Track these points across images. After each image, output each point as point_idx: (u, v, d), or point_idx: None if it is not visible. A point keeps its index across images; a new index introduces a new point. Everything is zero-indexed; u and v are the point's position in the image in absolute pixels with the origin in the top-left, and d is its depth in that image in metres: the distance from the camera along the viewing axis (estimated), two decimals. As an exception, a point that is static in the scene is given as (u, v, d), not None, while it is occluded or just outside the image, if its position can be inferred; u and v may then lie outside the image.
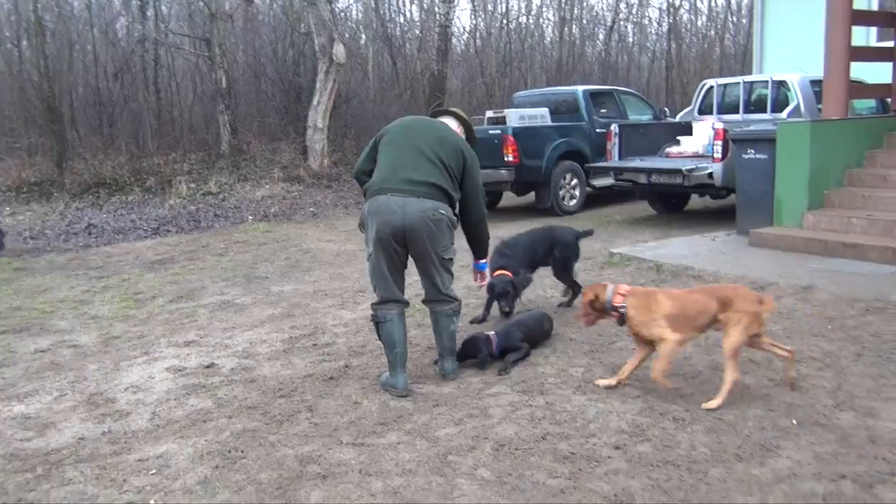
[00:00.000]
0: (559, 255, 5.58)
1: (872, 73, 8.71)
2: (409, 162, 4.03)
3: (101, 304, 6.56)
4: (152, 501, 3.03)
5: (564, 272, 5.61)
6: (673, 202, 10.77)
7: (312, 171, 14.89)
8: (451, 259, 4.19)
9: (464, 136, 4.39)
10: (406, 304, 4.20)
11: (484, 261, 4.61)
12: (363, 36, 21.87)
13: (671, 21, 25.77)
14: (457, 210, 4.21)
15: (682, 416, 3.53)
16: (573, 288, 5.63)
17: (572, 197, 11.21)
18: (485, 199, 4.33)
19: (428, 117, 4.49)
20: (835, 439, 3.24)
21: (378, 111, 18.12)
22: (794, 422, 3.43)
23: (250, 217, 12.12)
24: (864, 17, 8.60)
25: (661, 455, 3.16)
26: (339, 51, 14.96)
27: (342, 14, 19.98)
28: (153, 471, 3.29)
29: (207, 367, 4.69)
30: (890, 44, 8.23)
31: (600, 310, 3.90)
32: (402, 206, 3.90)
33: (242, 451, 3.43)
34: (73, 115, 16.17)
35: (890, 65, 8.06)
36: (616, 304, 3.82)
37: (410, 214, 3.90)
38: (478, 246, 4.53)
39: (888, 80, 8.13)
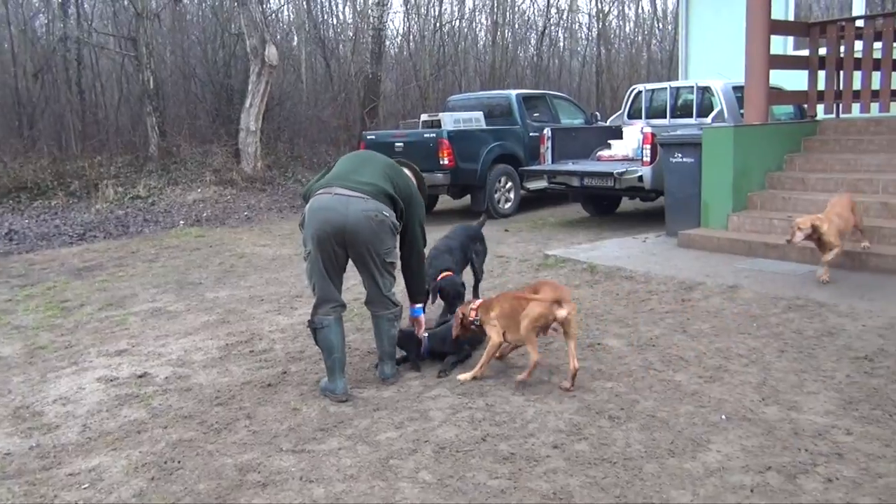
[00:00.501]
0: (481, 247, 5.88)
1: (790, 80, 9.11)
2: (359, 167, 4.14)
3: (24, 314, 6.31)
4: (85, 517, 2.95)
5: (482, 263, 5.91)
6: (605, 205, 11.03)
7: (246, 175, 14.66)
8: (392, 263, 4.18)
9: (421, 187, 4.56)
10: (343, 306, 4.17)
11: (420, 306, 4.58)
12: (296, 37, 21.63)
13: (600, 27, 26.37)
14: (400, 219, 4.22)
15: (617, 415, 3.64)
16: (480, 276, 5.93)
17: (507, 200, 11.35)
18: (424, 246, 4.46)
19: (394, 165, 4.53)
20: (761, 432, 3.38)
21: (312, 113, 17.98)
22: (723, 417, 3.57)
23: (182, 222, 11.85)
24: (781, 27, 8.97)
25: (597, 453, 3.25)
26: (271, 52, 14.77)
27: (274, 15, 19.72)
28: (85, 485, 3.20)
29: (140, 376, 4.57)
30: (805, 52, 8.62)
31: (467, 326, 4.38)
32: (346, 206, 3.89)
33: (179, 462, 3.36)
34: (-10, 116, 15.51)
35: (806, 72, 8.44)
36: (472, 318, 4.32)
37: (353, 214, 3.88)
38: (415, 288, 4.55)
39: (805, 87, 8.51)
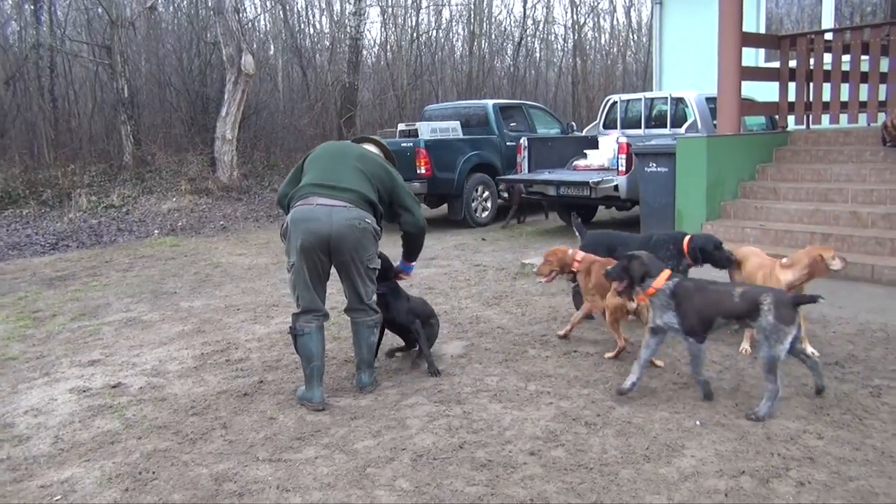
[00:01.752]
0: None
1: (762, 91, 9.26)
2: (334, 172, 4.09)
3: (-6, 324, 6.22)
4: (58, 529, 2.91)
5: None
6: (582, 213, 11.11)
7: (221, 184, 14.56)
8: (375, 269, 4.21)
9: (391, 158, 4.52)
10: (325, 316, 4.15)
11: (412, 264, 4.66)
12: (272, 47, 21.58)
13: (576, 38, 26.61)
14: (381, 222, 4.25)
15: (593, 421, 3.66)
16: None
17: (484, 209, 11.39)
18: (420, 211, 4.44)
19: (350, 142, 4.54)
20: (735, 438, 3.43)
21: (289, 122, 17.93)
22: (698, 422, 3.61)
23: (156, 231, 11.74)
24: (752, 40, 9.13)
25: (574, 459, 3.27)
26: (247, 61, 14.72)
27: (250, 24, 19.66)
28: (58, 497, 3.15)
29: (114, 386, 4.52)
30: (776, 64, 8.78)
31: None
32: (329, 216, 3.89)
33: (154, 473, 3.33)
34: (-40, 124, 15.28)
35: (777, 84, 8.60)
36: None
37: (337, 223, 3.89)
38: (411, 252, 4.58)
39: (776, 98, 8.66)
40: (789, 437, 3.40)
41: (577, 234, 5.84)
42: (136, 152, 15.34)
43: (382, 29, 24.33)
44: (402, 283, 4.67)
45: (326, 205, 3.93)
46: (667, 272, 3.87)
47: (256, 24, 21.04)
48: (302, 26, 22.38)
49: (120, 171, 14.93)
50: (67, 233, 11.45)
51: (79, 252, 10.26)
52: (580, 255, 4.98)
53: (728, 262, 4.80)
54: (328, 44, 21.99)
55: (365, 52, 22.42)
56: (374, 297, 4.30)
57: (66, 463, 3.48)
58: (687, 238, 4.93)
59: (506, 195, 11.14)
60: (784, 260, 4.46)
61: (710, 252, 4.82)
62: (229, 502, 3.03)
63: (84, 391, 4.47)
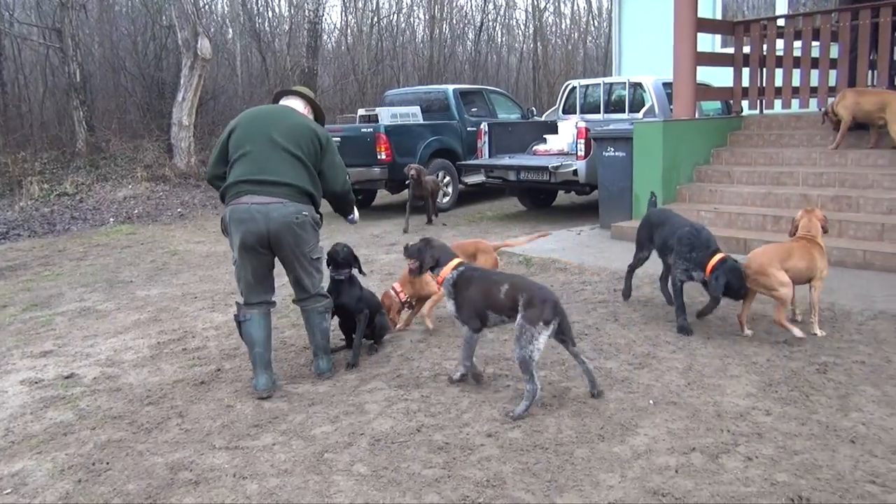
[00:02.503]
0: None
1: (718, 76, 9.40)
2: (265, 162, 3.91)
3: (-58, 316, 6.06)
4: (8, 521, 2.86)
5: None
6: (541, 198, 11.19)
7: (179, 171, 14.33)
8: (318, 258, 4.16)
9: (311, 117, 4.32)
10: (271, 304, 4.14)
11: (352, 216, 4.56)
12: (230, 30, 21.22)
13: (537, 23, 26.65)
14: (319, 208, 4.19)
15: (549, 403, 3.71)
16: None
17: (445, 194, 11.39)
18: (347, 174, 4.27)
19: (274, 105, 4.29)
20: (686, 416, 3.51)
21: (247, 107, 17.66)
22: (651, 402, 3.68)
23: (111, 219, 11.52)
24: (707, 26, 9.25)
25: (530, 440, 3.31)
26: (203, 45, 14.46)
27: (207, 7, 19.28)
28: (8, 490, 3.10)
29: (67, 377, 4.45)
30: (731, 50, 8.92)
31: None
32: (265, 214, 3.82)
33: (108, 463, 3.29)
34: None
35: (732, 69, 8.73)
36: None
37: (274, 221, 3.83)
38: (342, 210, 4.50)
39: (731, 83, 8.80)
40: (739, 414, 3.49)
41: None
42: (89, 138, 14.99)
43: (343, 13, 24.11)
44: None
45: (262, 203, 3.83)
46: (455, 262, 3.89)
47: (213, 7, 20.67)
48: (260, 10, 22.05)
49: (73, 157, 14.59)
50: (18, 222, 11.18)
51: (30, 241, 10.03)
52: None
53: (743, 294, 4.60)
54: (287, 28, 21.70)
55: (325, 37, 22.20)
56: (323, 285, 4.25)
57: (17, 455, 3.42)
58: (717, 258, 4.54)
59: (413, 178, 9.53)
60: None
61: (736, 290, 4.52)
62: (184, 491, 3.01)
63: (36, 382, 4.39)
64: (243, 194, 3.88)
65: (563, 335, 3.64)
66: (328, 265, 4.46)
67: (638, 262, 5.37)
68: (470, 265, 4.02)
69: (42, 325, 5.66)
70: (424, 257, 3.94)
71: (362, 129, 10.66)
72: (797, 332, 4.39)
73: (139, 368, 4.56)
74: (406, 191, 11.39)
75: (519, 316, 3.55)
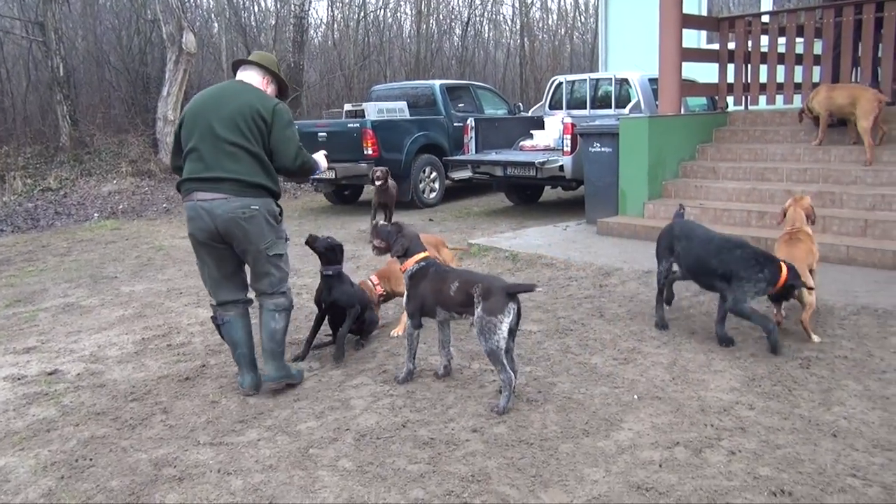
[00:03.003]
0: None
1: (703, 72, 9.44)
2: (209, 158, 3.69)
3: (-77, 312, 6.00)
4: (-10, 519, 2.84)
5: None
6: (528, 194, 11.20)
7: (164, 166, 14.22)
8: (278, 255, 3.88)
9: (274, 87, 4.04)
10: (247, 301, 4.01)
11: (318, 169, 4.12)
12: (216, 25, 21.07)
13: (524, 19, 26.65)
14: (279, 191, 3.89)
15: (535, 398, 3.72)
16: None
17: (432, 190, 11.39)
18: (299, 147, 3.84)
19: (223, 85, 3.96)
20: (670, 410, 3.53)
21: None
22: (636, 397, 3.70)
23: (96, 214, 11.44)
24: (693, 22, 9.27)
25: (515, 435, 3.32)
26: (188, 39, 14.37)
27: (191, 1, 19.14)
28: (-10, 487, 3.08)
29: (50, 373, 4.41)
30: (716, 46, 8.96)
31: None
32: (210, 211, 3.66)
33: (91, 460, 3.27)
34: None
35: (717, 65, 8.77)
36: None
37: (219, 218, 3.66)
38: (295, 177, 4.30)
39: (716, 79, 8.84)
40: (722, 409, 3.51)
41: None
42: (73, 133, 14.85)
43: (329, 8, 23.99)
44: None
45: (207, 199, 3.66)
46: (419, 255, 3.93)
47: (198, 1, 20.51)
48: (246, 4, 21.89)
49: (57, 152, 14.46)
50: (1, 217, 11.08)
51: (14, 237, 9.94)
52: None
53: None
54: (273, 22, 21.56)
55: (312, 32, 22.09)
56: (286, 285, 3.98)
57: (-1, 452, 3.40)
58: (786, 268, 4.23)
59: (378, 182, 8.59)
60: None
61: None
62: (168, 487, 3.00)
63: (19, 379, 4.35)
64: (192, 191, 3.72)
65: (517, 321, 3.63)
66: (321, 259, 4.41)
67: (663, 274, 4.80)
68: (433, 260, 3.98)
69: (25, 321, 5.61)
70: (394, 243, 3.94)
71: (349, 125, 10.63)
72: (816, 338, 4.38)
73: (123, 364, 4.54)
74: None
75: (478, 309, 3.55)
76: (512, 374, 3.57)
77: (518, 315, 3.60)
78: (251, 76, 3.97)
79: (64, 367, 4.51)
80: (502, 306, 3.49)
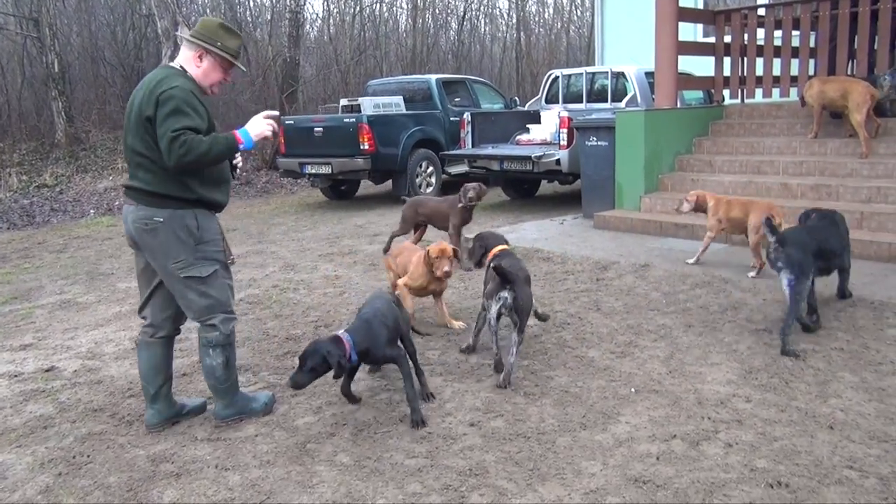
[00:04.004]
0: None
1: (699, 66, 9.43)
2: (129, 164, 3.37)
3: (-81, 310, 5.98)
4: (-13, 516, 2.84)
5: None
6: (525, 188, 11.20)
7: (160, 162, 14.18)
8: (195, 278, 3.30)
9: (212, 60, 3.36)
10: (154, 327, 3.51)
11: (242, 141, 3.32)
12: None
13: (520, 13, 26.61)
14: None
15: (532, 392, 3.73)
16: None
17: (429, 184, 11.37)
18: (172, 143, 3.06)
19: (145, 78, 3.37)
20: (667, 403, 3.53)
21: (229, 98, 17.53)
22: (633, 390, 3.71)
23: (92, 211, 11.41)
24: (689, 15, 9.26)
25: (513, 429, 3.33)
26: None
27: (187, -4, 19.07)
28: (-13, 483, 3.07)
29: (47, 370, 4.41)
30: (713, 40, 8.95)
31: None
32: (125, 218, 3.35)
33: (88, 456, 3.27)
34: None
35: (713, 58, 8.76)
36: None
37: (129, 225, 3.32)
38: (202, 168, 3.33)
39: (712, 72, 8.84)
40: (719, 401, 3.52)
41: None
42: (68, 129, 14.83)
43: (325, 2, 23.92)
44: None
45: (126, 205, 3.36)
46: (498, 248, 4.26)
47: (193, -4, 20.42)
48: (241, -1, 21.83)
49: (52, 149, 14.44)
50: (-3, 214, 11.05)
51: (9, 233, 9.92)
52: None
53: None
54: (269, 17, 21.51)
55: (308, 27, 22.04)
56: (216, 316, 3.40)
57: (-3, 449, 3.39)
58: None
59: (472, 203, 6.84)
60: None
61: None
62: (166, 482, 3.00)
63: (15, 376, 4.34)
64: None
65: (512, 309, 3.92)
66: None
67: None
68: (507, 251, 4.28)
69: (22, 318, 5.60)
70: (475, 252, 4.41)
71: (345, 120, 10.61)
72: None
73: (120, 361, 4.53)
74: (389, 180, 11.37)
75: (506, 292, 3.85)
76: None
77: (513, 302, 3.84)
78: (183, 56, 3.38)
79: (61, 364, 4.51)
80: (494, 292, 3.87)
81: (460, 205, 6.73)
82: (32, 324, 5.45)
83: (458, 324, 4.85)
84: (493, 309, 3.87)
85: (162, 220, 3.22)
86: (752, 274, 5.61)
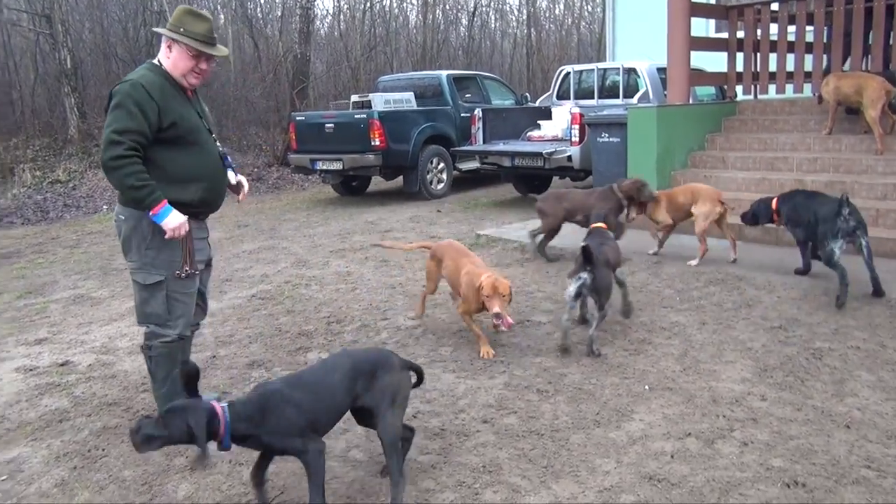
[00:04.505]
0: None
1: (712, 61, 9.37)
2: None
3: (-65, 304, 6.03)
4: (4, 509, 2.86)
5: None
6: (536, 184, 11.16)
7: (172, 157, 14.22)
8: (143, 285, 3.20)
9: (181, 48, 3.20)
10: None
11: (155, 212, 3.07)
12: (221, 16, 21.04)
13: (530, 8, 26.52)
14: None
15: (545, 389, 3.72)
16: None
17: (440, 181, 11.37)
18: (112, 141, 3.01)
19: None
20: (682, 401, 3.52)
21: (240, 94, 17.57)
22: (647, 387, 3.69)
23: (105, 206, 11.47)
24: (701, 10, 9.19)
25: (526, 426, 3.32)
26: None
27: (198, -8, 19.11)
28: (4, 476, 3.10)
29: (62, 364, 4.43)
30: (725, 35, 8.89)
31: None
32: None
33: (103, 450, 3.29)
34: None
35: (726, 54, 8.70)
36: None
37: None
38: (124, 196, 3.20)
39: (725, 68, 8.78)
40: (734, 400, 3.50)
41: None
42: (81, 125, 14.88)
43: (335, -2, 23.88)
44: None
45: None
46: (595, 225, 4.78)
47: (205, -8, 20.46)
48: (252, -5, 21.84)
49: (65, 145, 14.50)
50: (11, 209, 11.12)
51: (24, 229, 9.98)
52: None
53: None
54: (279, 13, 21.52)
55: (318, 23, 22.03)
56: (149, 325, 3.28)
57: (12, 443, 3.41)
58: None
59: None
60: None
61: None
62: (180, 476, 3.01)
63: (31, 370, 4.37)
64: None
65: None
66: None
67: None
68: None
69: (36, 313, 5.64)
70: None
71: (356, 116, 10.61)
72: None
73: (134, 355, 4.55)
74: (400, 177, 11.36)
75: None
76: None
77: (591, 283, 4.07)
78: (160, 49, 3.29)
79: (75, 358, 4.53)
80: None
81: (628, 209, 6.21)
82: (47, 318, 5.48)
83: (486, 350, 4.24)
84: (573, 287, 4.05)
85: (124, 217, 3.19)
86: (652, 251, 6.40)
